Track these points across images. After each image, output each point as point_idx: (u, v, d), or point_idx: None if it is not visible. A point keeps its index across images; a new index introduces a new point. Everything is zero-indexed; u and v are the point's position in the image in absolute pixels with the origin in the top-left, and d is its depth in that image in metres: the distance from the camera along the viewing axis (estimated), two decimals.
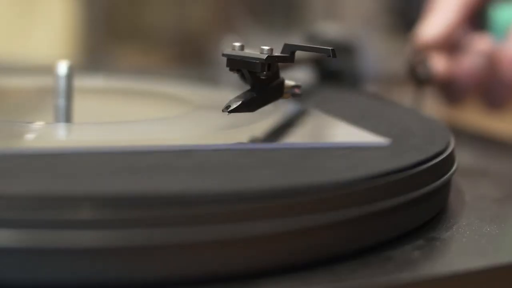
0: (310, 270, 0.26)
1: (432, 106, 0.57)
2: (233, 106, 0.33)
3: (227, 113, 0.33)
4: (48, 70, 0.43)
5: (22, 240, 0.23)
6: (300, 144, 0.34)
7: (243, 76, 0.34)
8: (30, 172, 0.26)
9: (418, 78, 0.52)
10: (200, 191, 0.25)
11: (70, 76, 0.41)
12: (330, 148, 0.32)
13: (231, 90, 0.35)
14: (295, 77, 0.40)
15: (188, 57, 1.16)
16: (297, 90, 0.35)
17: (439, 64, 0.53)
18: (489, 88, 0.53)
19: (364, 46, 0.61)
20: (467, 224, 0.32)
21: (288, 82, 0.35)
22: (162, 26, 1.23)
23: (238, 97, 0.33)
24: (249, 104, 0.33)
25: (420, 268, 0.27)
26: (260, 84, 0.34)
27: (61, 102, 0.41)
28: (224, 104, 0.33)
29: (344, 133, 0.37)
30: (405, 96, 0.55)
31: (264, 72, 0.33)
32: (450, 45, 0.53)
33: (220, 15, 1.24)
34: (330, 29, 0.57)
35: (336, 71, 0.54)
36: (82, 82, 0.44)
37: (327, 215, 0.26)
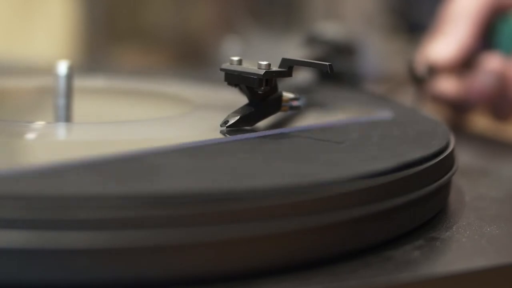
0: (310, 270, 0.26)
1: (432, 106, 0.57)
2: (231, 121, 0.33)
3: (225, 129, 0.33)
4: (48, 70, 0.43)
5: (22, 240, 0.23)
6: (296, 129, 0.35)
7: (241, 90, 0.34)
8: (30, 172, 0.26)
9: (418, 78, 0.52)
10: (200, 191, 0.25)
11: (70, 76, 0.41)
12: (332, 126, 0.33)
13: (231, 90, 0.35)
14: (295, 77, 0.40)
15: (188, 57, 1.16)
16: (295, 103, 0.36)
17: (449, 84, 0.53)
18: (498, 103, 0.54)
19: (364, 46, 0.61)
20: (467, 224, 0.32)
21: (286, 95, 0.35)
22: (162, 26, 1.23)
23: (236, 112, 0.34)
24: (247, 119, 0.34)
25: (420, 268, 0.27)
26: (258, 99, 0.34)
27: (61, 102, 0.41)
28: (223, 104, 0.33)
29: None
30: (405, 96, 0.55)
31: (262, 87, 0.33)
32: (463, 64, 0.53)
33: (220, 15, 1.24)
34: (330, 29, 0.57)
35: (336, 71, 0.54)
36: (82, 82, 0.44)
37: (327, 215, 0.26)
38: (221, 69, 0.34)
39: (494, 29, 0.54)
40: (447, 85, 0.54)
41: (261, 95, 0.34)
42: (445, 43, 0.53)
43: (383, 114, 0.37)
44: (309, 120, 0.39)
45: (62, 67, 0.41)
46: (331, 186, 0.27)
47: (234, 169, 0.28)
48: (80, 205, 0.23)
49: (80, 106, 0.41)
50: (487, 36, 0.54)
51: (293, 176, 0.28)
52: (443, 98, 0.54)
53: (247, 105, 0.34)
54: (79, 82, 0.42)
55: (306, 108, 0.39)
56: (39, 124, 0.35)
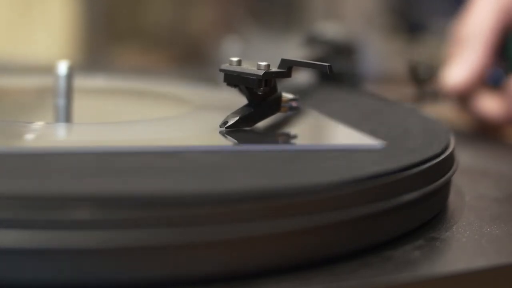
0: (310, 270, 0.26)
1: (432, 106, 0.57)
2: (231, 122, 0.33)
3: (224, 129, 0.33)
4: (48, 70, 0.43)
5: (22, 240, 0.23)
6: (296, 146, 0.34)
7: (241, 91, 0.34)
8: (30, 172, 0.26)
9: (418, 78, 0.52)
10: (200, 192, 0.25)
11: (70, 76, 0.41)
12: (323, 150, 0.32)
13: (231, 90, 0.35)
14: (295, 78, 0.40)
15: (188, 57, 1.16)
16: (294, 103, 0.36)
17: (489, 104, 0.53)
18: None
19: (364, 46, 0.61)
20: (467, 224, 0.32)
21: (286, 96, 0.35)
22: (162, 26, 1.23)
23: (235, 113, 0.34)
24: (246, 120, 0.34)
25: (420, 268, 0.27)
26: (257, 99, 0.34)
27: (61, 102, 0.41)
28: (223, 105, 0.33)
29: (341, 135, 0.37)
30: (405, 96, 0.55)
31: (261, 88, 0.33)
32: (480, 85, 0.53)
33: (220, 15, 1.24)
34: (330, 29, 0.57)
35: (336, 71, 0.54)
36: (82, 82, 0.44)
37: (327, 215, 0.26)
38: (221, 70, 0.34)
39: (507, 46, 0.54)
40: (487, 105, 0.54)
41: (261, 95, 0.34)
42: (459, 68, 0.53)
43: (374, 143, 0.35)
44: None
45: (62, 67, 0.41)
46: (331, 187, 0.27)
47: (235, 170, 0.28)
48: (80, 205, 0.23)
49: (80, 106, 0.41)
50: (500, 53, 0.54)
51: (293, 176, 0.28)
52: (485, 118, 0.54)
53: (246, 105, 0.34)
54: (79, 82, 0.42)
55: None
56: (39, 124, 0.35)
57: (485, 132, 0.55)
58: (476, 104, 0.54)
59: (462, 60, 0.53)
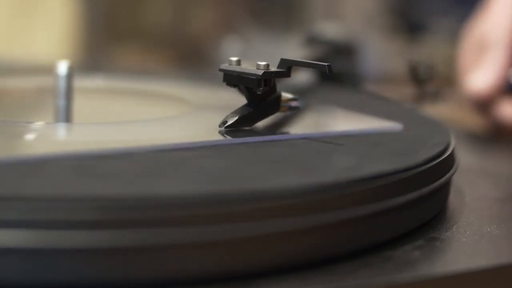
0: (310, 270, 0.26)
1: (432, 106, 0.57)
2: (230, 121, 0.33)
3: (223, 129, 0.33)
4: (48, 70, 0.43)
5: (22, 240, 0.23)
6: (301, 135, 0.35)
7: (240, 90, 0.34)
8: (30, 173, 0.26)
9: (418, 78, 0.52)
10: (200, 192, 0.25)
11: (70, 76, 0.41)
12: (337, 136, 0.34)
13: (230, 90, 0.35)
14: (295, 78, 0.40)
15: (188, 57, 1.16)
16: (294, 103, 0.36)
17: (507, 112, 0.53)
18: None
19: (364, 46, 0.61)
20: (467, 224, 0.32)
21: (285, 95, 0.35)
22: (162, 26, 1.24)
23: (234, 113, 0.34)
24: (245, 120, 0.34)
25: (420, 268, 0.27)
26: (257, 99, 0.34)
27: (61, 102, 0.41)
28: (222, 104, 0.33)
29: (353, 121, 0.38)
30: (405, 96, 0.55)
31: (261, 88, 0.33)
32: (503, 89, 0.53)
33: (220, 15, 1.24)
34: (330, 29, 0.57)
35: (336, 71, 0.54)
36: (82, 82, 0.44)
37: (327, 215, 0.26)
38: (220, 70, 0.34)
39: None
40: (508, 110, 0.54)
41: (260, 95, 0.34)
42: (483, 74, 0.53)
43: (393, 126, 0.37)
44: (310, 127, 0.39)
45: (62, 67, 0.41)
46: (331, 187, 0.27)
47: (235, 170, 0.28)
48: (80, 206, 0.23)
49: (80, 106, 0.41)
50: None
51: (293, 176, 0.28)
52: (506, 123, 0.54)
53: (246, 105, 0.34)
54: (79, 82, 0.42)
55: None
56: (39, 124, 0.35)
57: (502, 136, 0.55)
58: (497, 110, 0.54)
59: (486, 66, 0.53)
